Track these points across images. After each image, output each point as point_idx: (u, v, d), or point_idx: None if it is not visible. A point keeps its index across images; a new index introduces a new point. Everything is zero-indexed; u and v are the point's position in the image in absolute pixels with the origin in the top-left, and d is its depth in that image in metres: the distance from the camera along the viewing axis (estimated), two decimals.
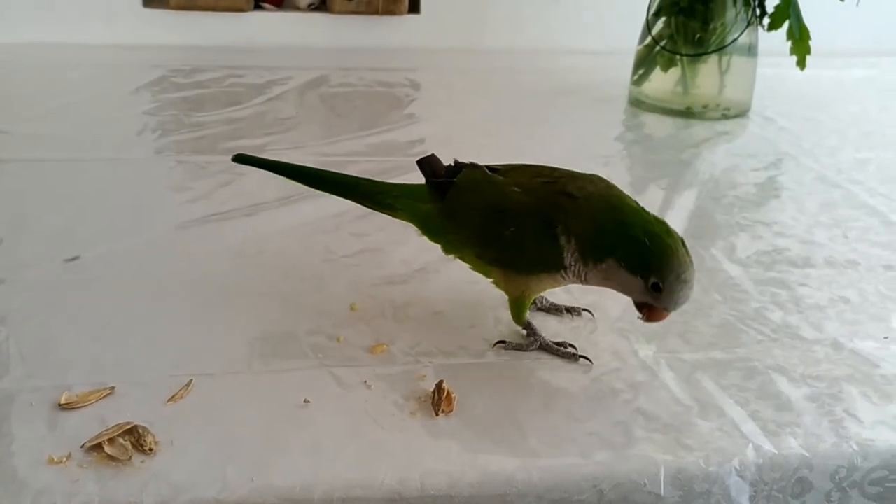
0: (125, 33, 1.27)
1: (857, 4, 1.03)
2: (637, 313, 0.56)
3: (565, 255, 0.55)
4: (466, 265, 0.61)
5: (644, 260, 0.52)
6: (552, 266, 0.56)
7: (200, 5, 1.27)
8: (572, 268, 0.55)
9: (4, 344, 0.57)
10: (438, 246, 0.62)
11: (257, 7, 1.31)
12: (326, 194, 0.81)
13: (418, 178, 0.62)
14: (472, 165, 0.60)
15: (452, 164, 0.61)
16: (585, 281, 0.56)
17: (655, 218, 0.54)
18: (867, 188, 0.91)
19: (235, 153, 0.67)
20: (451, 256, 0.62)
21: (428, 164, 0.61)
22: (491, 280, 0.60)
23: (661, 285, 0.52)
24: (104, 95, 1.09)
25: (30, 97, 1.06)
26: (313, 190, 0.83)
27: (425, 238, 0.63)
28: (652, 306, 0.54)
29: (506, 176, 0.59)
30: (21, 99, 1.06)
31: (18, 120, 0.97)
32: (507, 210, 0.57)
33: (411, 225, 0.63)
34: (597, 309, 0.64)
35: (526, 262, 0.57)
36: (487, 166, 0.60)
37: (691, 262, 0.53)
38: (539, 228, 0.55)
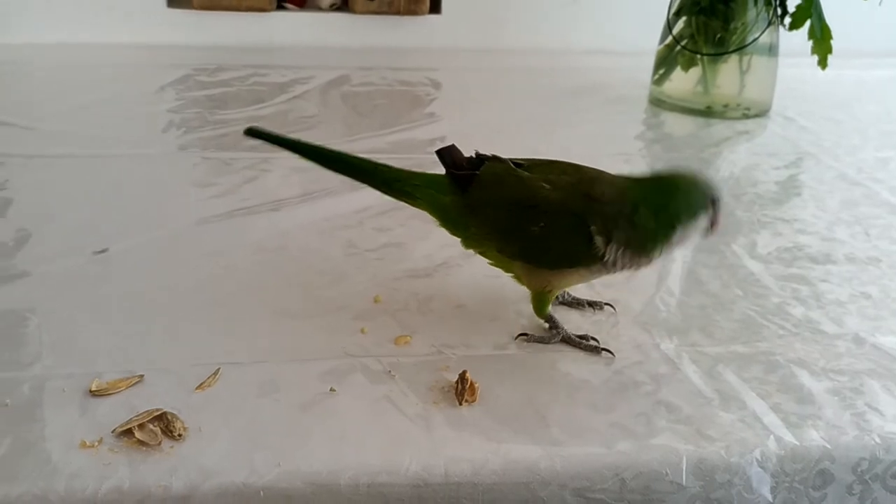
0: (149, 33, 1.28)
1: (880, 4, 1.03)
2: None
3: (608, 254, 0.56)
4: (486, 260, 0.61)
5: (697, 200, 0.56)
6: (581, 262, 0.57)
7: (223, 5, 1.28)
8: (625, 267, 0.57)
9: (35, 332, 0.58)
10: (459, 240, 0.62)
11: (280, 7, 1.32)
12: (349, 191, 0.82)
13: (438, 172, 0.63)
14: (496, 158, 0.60)
15: (474, 156, 0.61)
16: (636, 269, 0.58)
17: (650, 179, 0.58)
18: (888, 187, 0.91)
19: (247, 126, 0.66)
20: (471, 251, 0.62)
21: (448, 155, 0.61)
22: (511, 275, 0.61)
23: (715, 194, 0.57)
24: (129, 94, 1.10)
25: (56, 96, 1.08)
26: (336, 186, 0.84)
27: (447, 233, 0.63)
28: (714, 216, 0.57)
29: (531, 171, 0.59)
30: (48, 97, 1.07)
31: (45, 117, 0.98)
32: (537, 206, 0.57)
33: (432, 218, 0.63)
34: (619, 303, 0.65)
35: (553, 257, 0.57)
36: (511, 160, 0.60)
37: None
38: (572, 226, 0.56)
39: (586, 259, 0.56)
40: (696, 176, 0.57)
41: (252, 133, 0.66)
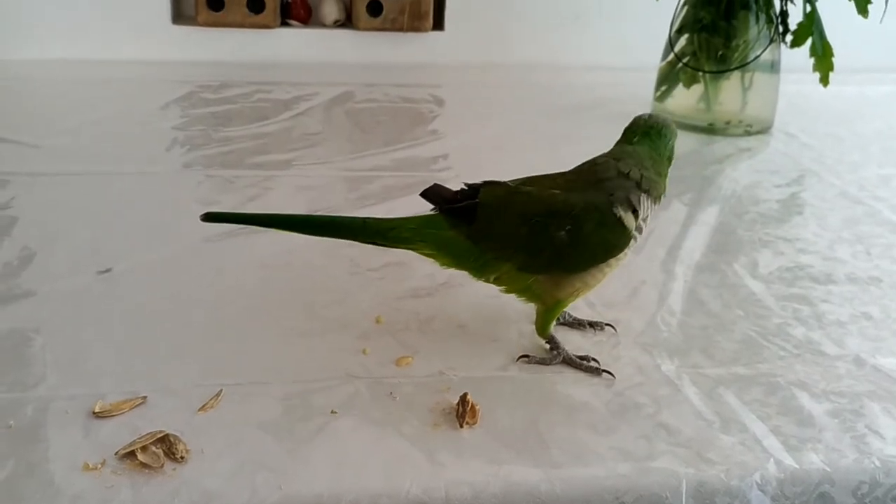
0: (154, 49, 1.29)
1: (881, 21, 1.03)
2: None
3: (640, 224, 0.58)
4: (497, 286, 0.61)
5: (672, 137, 0.63)
6: (614, 251, 0.58)
7: (228, 22, 1.29)
8: (646, 221, 0.59)
9: (40, 353, 0.58)
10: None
11: (284, 24, 1.33)
12: (353, 209, 0.83)
13: None
14: (490, 183, 0.60)
15: (465, 187, 0.61)
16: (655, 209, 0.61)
17: (631, 135, 0.62)
18: (890, 205, 0.91)
19: (205, 213, 0.63)
20: (482, 280, 0.61)
21: (435, 194, 0.60)
22: (522, 297, 0.60)
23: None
24: (133, 111, 1.10)
25: (61, 113, 1.09)
26: (340, 204, 0.85)
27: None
28: None
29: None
30: (52, 114, 1.08)
31: (50, 135, 0.99)
32: (558, 211, 0.57)
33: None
34: (620, 324, 0.65)
35: (587, 257, 0.58)
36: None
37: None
38: (599, 218, 0.57)
39: (619, 245, 0.58)
40: (662, 118, 0.63)
41: (211, 218, 0.63)
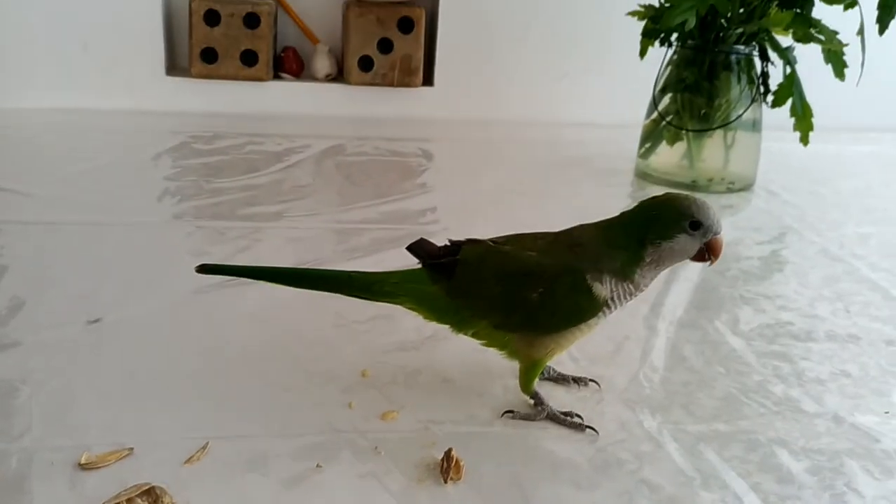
0: (148, 100, 1.31)
1: (857, 84, 1.06)
2: (704, 264, 0.60)
3: (607, 296, 0.57)
4: (477, 340, 0.62)
5: (670, 219, 0.57)
6: (585, 317, 0.58)
7: (221, 74, 1.31)
8: (619, 300, 0.58)
9: (26, 404, 0.59)
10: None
11: (276, 77, 1.35)
12: (342, 262, 0.84)
13: None
14: (472, 241, 0.62)
15: (448, 243, 0.62)
16: (639, 292, 0.59)
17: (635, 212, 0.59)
18: (869, 263, 0.93)
19: (199, 264, 0.64)
20: (463, 334, 0.62)
21: (420, 248, 0.62)
22: (502, 352, 0.61)
23: (696, 216, 0.57)
24: (126, 161, 1.12)
25: (53, 162, 1.10)
26: (328, 256, 0.86)
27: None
28: (708, 244, 0.58)
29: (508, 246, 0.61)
30: (45, 163, 1.09)
31: (42, 184, 1.00)
32: (532, 273, 0.58)
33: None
34: (603, 379, 0.66)
35: (557, 319, 0.59)
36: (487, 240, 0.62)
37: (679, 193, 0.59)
38: (570, 283, 0.57)
39: (590, 311, 0.58)
40: (676, 198, 0.58)
41: (205, 269, 0.64)
